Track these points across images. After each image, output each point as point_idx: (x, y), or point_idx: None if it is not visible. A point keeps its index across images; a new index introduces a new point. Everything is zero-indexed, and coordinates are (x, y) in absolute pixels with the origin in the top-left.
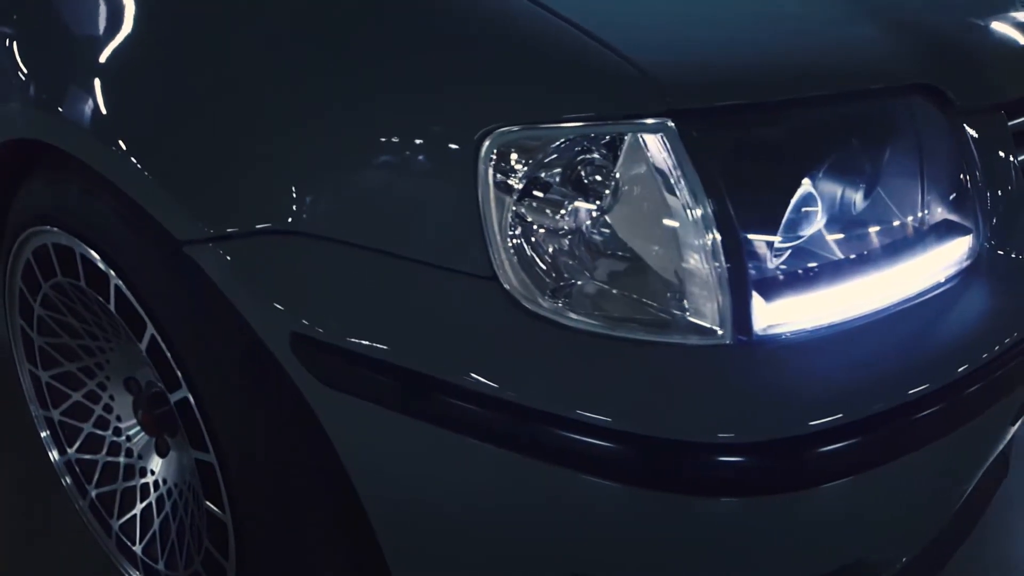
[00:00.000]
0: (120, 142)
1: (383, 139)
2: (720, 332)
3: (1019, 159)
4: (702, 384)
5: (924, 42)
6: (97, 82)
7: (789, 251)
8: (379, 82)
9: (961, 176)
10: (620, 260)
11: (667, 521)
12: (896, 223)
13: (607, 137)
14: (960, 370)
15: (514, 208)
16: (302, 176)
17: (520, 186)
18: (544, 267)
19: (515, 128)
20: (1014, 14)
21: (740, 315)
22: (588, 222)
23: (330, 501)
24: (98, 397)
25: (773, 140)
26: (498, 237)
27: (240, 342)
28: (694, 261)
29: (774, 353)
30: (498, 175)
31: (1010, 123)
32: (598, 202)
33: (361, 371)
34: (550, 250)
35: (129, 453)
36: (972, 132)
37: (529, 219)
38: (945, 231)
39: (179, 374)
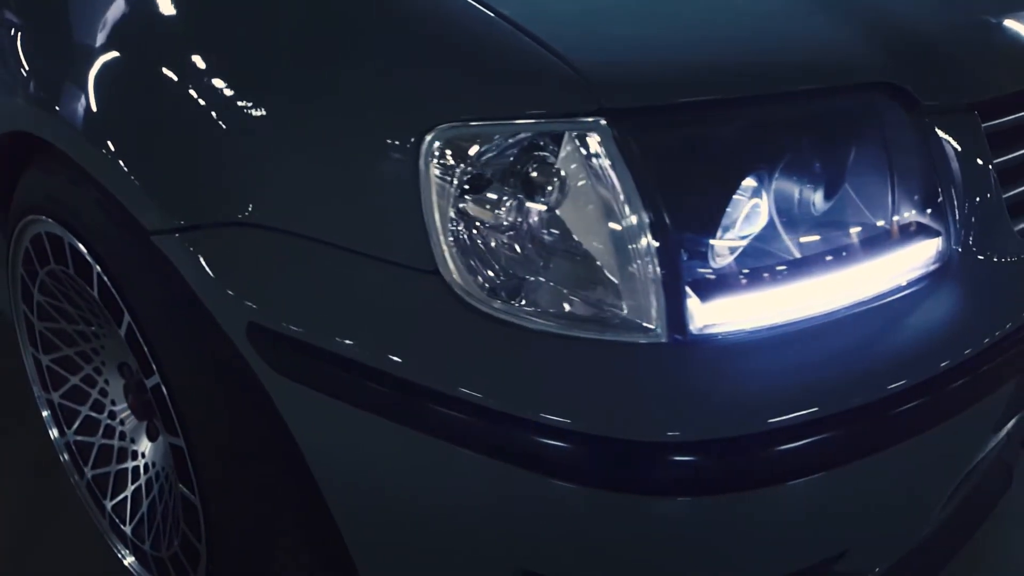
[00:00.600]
0: (98, 136)
1: (332, 135)
2: (656, 330)
3: (995, 161)
4: (636, 382)
5: (887, 38)
6: (79, 80)
7: (731, 252)
8: (329, 81)
9: (929, 178)
10: (558, 257)
11: (607, 519)
12: (853, 225)
13: (543, 136)
14: (917, 377)
15: (454, 204)
16: (258, 170)
17: (460, 182)
18: (483, 263)
19: (455, 125)
20: (986, 10)
21: (675, 314)
22: (526, 220)
23: (293, 489)
24: (94, 381)
25: (714, 139)
26: (439, 232)
27: (204, 331)
28: (628, 260)
29: (711, 353)
30: (438, 171)
31: (985, 124)
32: (537, 200)
33: (312, 362)
34: (490, 246)
35: (122, 436)
36: (940, 133)
37: (469, 215)
38: (911, 233)
39: (151, 360)
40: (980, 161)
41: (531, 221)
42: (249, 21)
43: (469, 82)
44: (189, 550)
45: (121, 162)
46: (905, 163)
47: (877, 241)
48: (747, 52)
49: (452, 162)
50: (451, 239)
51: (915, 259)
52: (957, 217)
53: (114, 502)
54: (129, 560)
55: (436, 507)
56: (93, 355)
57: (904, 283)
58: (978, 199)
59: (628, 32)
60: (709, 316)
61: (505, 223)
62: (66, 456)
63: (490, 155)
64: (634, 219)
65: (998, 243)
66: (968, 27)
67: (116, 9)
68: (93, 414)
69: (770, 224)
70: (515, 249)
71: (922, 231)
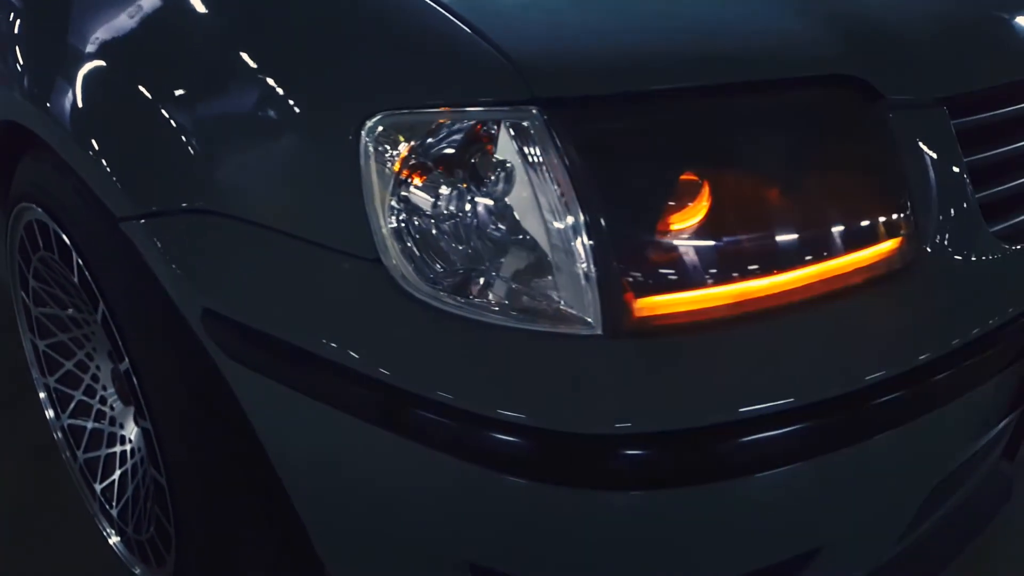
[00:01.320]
0: (78, 130)
1: (280, 124)
2: (591, 323)
3: (969, 160)
4: (569, 374)
5: (849, 29)
6: (64, 77)
7: (671, 247)
8: (275, 71)
9: (893, 175)
10: (497, 247)
11: (547, 511)
12: (808, 221)
13: (479, 124)
14: (875, 376)
15: (394, 191)
16: (216, 159)
17: (399, 170)
18: (422, 251)
19: (393, 113)
20: (960, 1)
21: (610, 307)
22: (465, 208)
23: (252, 471)
24: (86, 367)
25: (654, 131)
26: (380, 220)
27: (166, 316)
28: (563, 251)
29: (647, 347)
30: (378, 158)
31: (957, 121)
32: (476, 189)
33: (262, 348)
34: (429, 234)
35: (112, 421)
36: (906, 128)
37: (408, 203)
38: (872, 232)
39: (121, 345)
40: (950, 158)
41: (470, 210)
42: (202, 23)
43: (407, 70)
44: (163, 533)
45: (96, 153)
46: (867, 159)
47: (835, 238)
48: (693, 42)
49: (391, 150)
50: (391, 226)
51: (877, 258)
52: (924, 216)
53: (103, 485)
54: (114, 540)
55: (382, 496)
56: (85, 341)
57: (863, 282)
58: (948, 198)
59: (568, 21)
60: (646, 310)
61: (444, 211)
62: (60, 435)
63: (429, 143)
64: (568, 210)
65: (971, 244)
66: (940, 19)
67: (100, 18)
68: (85, 399)
69: (717, 219)
70: (454, 237)
71: (885, 229)
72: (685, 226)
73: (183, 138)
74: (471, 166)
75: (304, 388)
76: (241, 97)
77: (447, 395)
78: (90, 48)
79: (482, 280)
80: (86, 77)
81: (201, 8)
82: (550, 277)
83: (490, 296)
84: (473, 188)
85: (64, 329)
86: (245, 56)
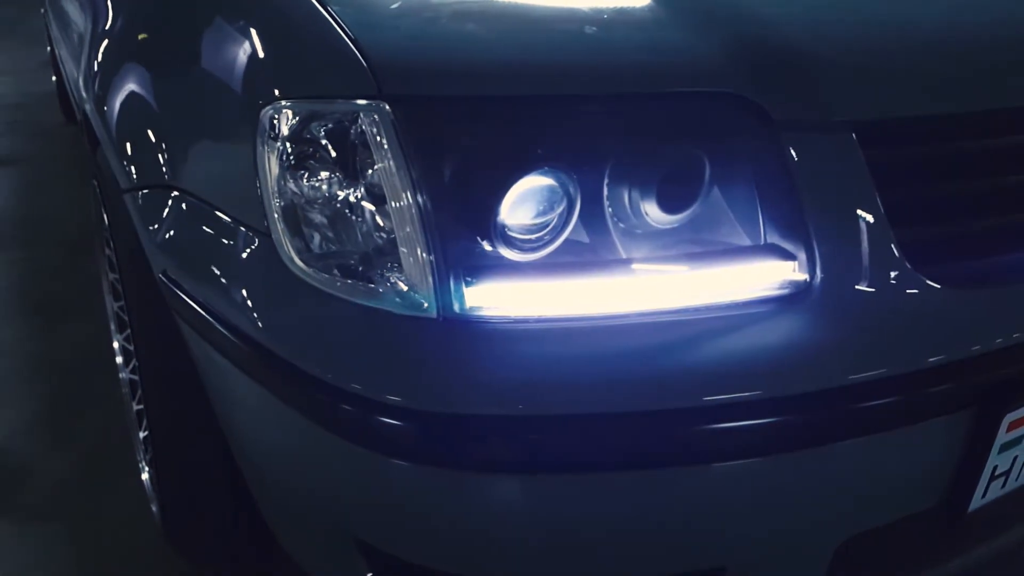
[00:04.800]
0: (103, 111)
1: (208, 114)
2: (427, 307)
3: (886, 193)
4: (404, 353)
5: (745, 46)
6: (92, 71)
7: (508, 242)
8: (210, 68)
9: (781, 199)
10: (355, 230)
11: (390, 484)
12: (671, 234)
13: (338, 116)
14: (713, 397)
15: (278, 174)
16: (175, 143)
17: (281, 154)
18: (297, 229)
19: (278, 103)
20: (886, 22)
21: (443, 294)
22: (329, 193)
23: (207, 424)
24: None
25: (502, 133)
26: (268, 198)
27: (147, 278)
28: (407, 238)
29: (472, 333)
30: (268, 144)
31: (872, 150)
32: (337, 176)
33: (197, 309)
34: (305, 215)
35: None
36: (802, 154)
37: (287, 184)
38: (747, 253)
39: (125, 303)
40: (857, 188)
41: (333, 194)
42: (171, 38)
43: (295, 63)
44: None
45: (117, 139)
46: (750, 180)
47: (702, 253)
48: (556, 52)
49: (274, 138)
50: (275, 202)
51: (751, 280)
52: (824, 247)
53: (145, 433)
54: (144, 476)
55: (279, 462)
56: None
57: (729, 303)
58: (853, 229)
59: (439, 28)
60: (479, 299)
61: (313, 194)
62: (123, 378)
63: (302, 132)
64: (410, 201)
65: (882, 278)
66: (861, 40)
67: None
68: None
69: (560, 222)
70: (320, 219)
71: (766, 253)
72: (524, 225)
73: (160, 126)
74: (336, 155)
75: (224, 349)
76: (189, 90)
77: (311, 367)
78: (124, 65)
79: (342, 258)
80: (121, 86)
81: (174, 39)
82: (397, 262)
83: (349, 275)
84: (336, 175)
85: None
86: (185, 57)
